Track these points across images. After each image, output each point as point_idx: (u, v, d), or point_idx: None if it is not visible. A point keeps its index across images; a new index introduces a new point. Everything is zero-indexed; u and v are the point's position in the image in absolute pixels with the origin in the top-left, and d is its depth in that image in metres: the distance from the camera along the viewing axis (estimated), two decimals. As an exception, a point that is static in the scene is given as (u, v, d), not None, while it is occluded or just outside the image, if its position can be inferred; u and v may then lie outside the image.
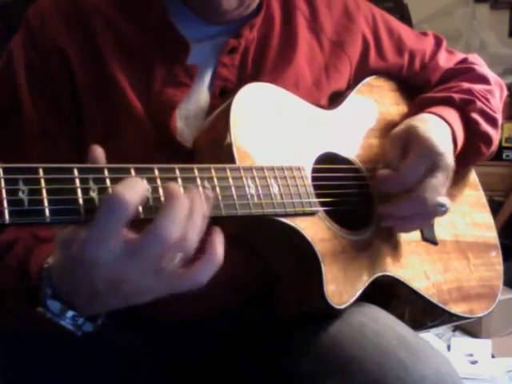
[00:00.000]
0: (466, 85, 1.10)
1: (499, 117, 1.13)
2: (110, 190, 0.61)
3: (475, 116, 1.07)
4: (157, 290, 0.66)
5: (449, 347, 2.28)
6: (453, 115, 1.05)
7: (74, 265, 0.64)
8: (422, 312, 1.03)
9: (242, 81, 0.95)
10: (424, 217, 0.98)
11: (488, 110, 1.09)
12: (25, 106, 0.92)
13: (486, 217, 1.19)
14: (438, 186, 0.95)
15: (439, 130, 1.00)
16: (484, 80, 1.15)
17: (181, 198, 0.64)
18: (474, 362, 2.17)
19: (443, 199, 0.95)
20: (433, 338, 2.26)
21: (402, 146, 0.97)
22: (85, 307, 0.69)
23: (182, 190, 0.65)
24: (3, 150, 0.91)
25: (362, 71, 1.10)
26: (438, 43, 1.19)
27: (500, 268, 1.15)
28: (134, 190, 0.61)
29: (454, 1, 3.15)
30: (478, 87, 1.10)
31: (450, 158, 0.97)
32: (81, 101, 0.93)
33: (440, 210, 0.95)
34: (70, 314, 0.69)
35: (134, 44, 0.95)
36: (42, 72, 0.93)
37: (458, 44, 2.96)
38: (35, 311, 0.69)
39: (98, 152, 0.66)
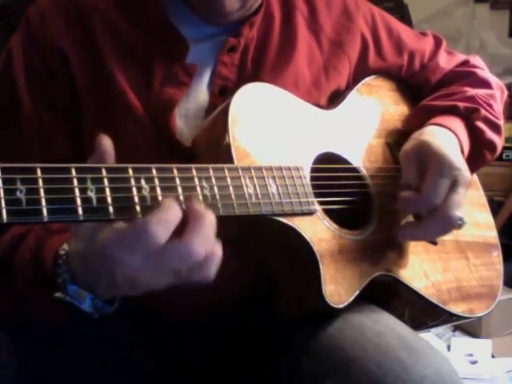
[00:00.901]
0: (469, 91, 1.10)
1: (502, 123, 1.13)
2: (144, 220, 0.63)
3: (480, 124, 1.07)
4: (171, 283, 0.68)
5: (449, 347, 2.28)
6: (458, 125, 1.05)
7: (94, 259, 0.67)
8: (422, 312, 1.03)
9: (241, 80, 0.95)
10: (444, 231, 0.99)
11: (492, 117, 1.09)
12: (24, 105, 0.92)
13: (486, 216, 1.18)
14: (460, 202, 0.95)
15: (450, 143, 1.00)
16: (486, 84, 1.15)
17: (208, 216, 0.66)
18: (473, 362, 2.17)
19: (460, 213, 0.95)
20: (433, 338, 2.26)
21: (417, 163, 0.98)
22: (103, 293, 0.72)
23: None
24: (3, 150, 0.91)
25: (361, 71, 1.10)
26: (437, 43, 1.19)
27: (500, 267, 1.15)
28: (168, 225, 0.63)
29: (454, 1, 3.15)
30: (480, 92, 1.10)
31: (466, 172, 0.98)
32: (80, 100, 0.93)
33: (459, 224, 0.96)
34: (89, 297, 0.71)
35: (134, 43, 0.95)
36: (41, 71, 0.93)
37: (458, 44, 2.95)
38: (52, 297, 0.72)
39: (106, 142, 0.67)
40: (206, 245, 0.66)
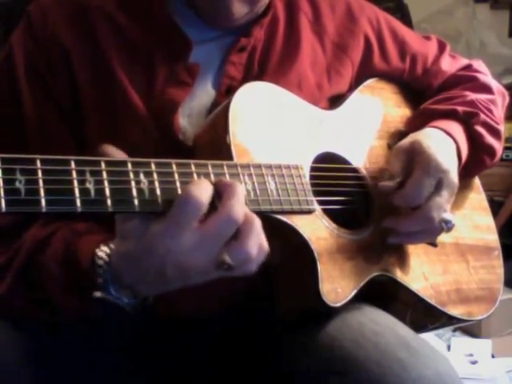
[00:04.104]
0: (469, 95, 1.10)
1: (502, 128, 1.13)
2: (182, 190, 0.68)
3: (479, 129, 1.08)
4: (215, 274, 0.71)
5: (449, 347, 2.28)
6: (457, 129, 1.05)
7: (146, 253, 0.69)
8: (421, 314, 1.03)
9: (246, 79, 0.95)
10: (430, 233, 0.99)
11: (491, 121, 1.10)
12: (24, 102, 0.92)
13: (487, 220, 1.18)
14: (443, 204, 0.96)
15: (444, 145, 1.01)
16: (487, 89, 1.15)
17: (239, 185, 0.71)
18: (474, 362, 2.17)
19: (449, 216, 0.96)
20: (433, 338, 2.25)
21: (405, 159, 0.98)
22: (146, 291, 0.74)
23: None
24: (1, 144, 0.91)
25: (364, 73, 1.10)
26: (441, 48, 1.19)
27: (500, 271, 1.15)
28: (205, 190, 0.68)
29: (454, 1, 3.14)
30: (481, 97, 1.11)
31: (454, 175, 0.98)
32: (81, 98, 0.93)
33: (446, 226, 0.96)
34: (128, 297, 0.73)
35: (136, 43, 0.94)
36: (41, 65, 0.93)
37: (458, 44, 2.95)
38: (89, 297, 0.73)
39: (110, 150, 0.69)
40: (243, 210, 0.69)
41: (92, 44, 0.93)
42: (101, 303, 0.73)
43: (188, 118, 0.94)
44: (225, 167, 0.75)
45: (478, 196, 1.19)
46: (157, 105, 0.92)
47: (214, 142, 0.86)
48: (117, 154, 0.68)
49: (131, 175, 0.66)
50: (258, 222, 0.70)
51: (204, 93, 0.96)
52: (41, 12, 0.95)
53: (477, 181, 1.20)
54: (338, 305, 0.87)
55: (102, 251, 0.75)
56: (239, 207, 0.69)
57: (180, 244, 0.67)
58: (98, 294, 0.73)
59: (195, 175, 0.71)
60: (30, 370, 0.86)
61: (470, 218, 1.15)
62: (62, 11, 0.94)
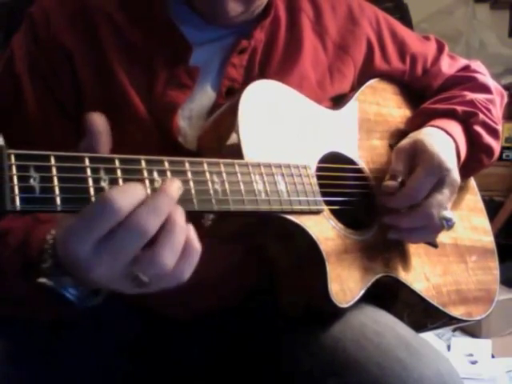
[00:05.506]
0: (468, 95, 1.11)
1: (500, 128, 1.14)
2: (104, 192, 0.60)
3: (478, 129, 1.08)
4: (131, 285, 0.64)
5: (449, 347, 2.28)
6: (456, 128, 1.06)
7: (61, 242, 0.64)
8: (422, 314, 1.03)
9: (248, 81, 0.95)
10: (430, 231, 0.99)
11: (490, 121, 1.10)
12: (26, 100, 0.92)
13: (483, 221, 1.19)
14: (444, 202, 0.96)
15: (445, 144, 1.01)
16: (486, 89, 1.16)
17: (182, 227, 0.63)
18: (474, 362, 2.18)
19: (449, 214, 0.96)
20: (433, 338, 2.26)
21: (408, 159, 0.99)
22: (83, 282, 0.68)
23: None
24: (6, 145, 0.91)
25: (366, 74, 1.10)
26: (440, 48, 1.20)
27: (497, 272, 1.15)
28: (128, 196, 0.60)
29: (454, 1, 3.15)
30: (480, 97, 1.11)
31: (456, 174, 0.99)
32: (83, 97, 0.92)
33: (446, 224, 0.96)
34: (70, 284, 0.68)
35: (137, 45, 0.94)
36: (43, 66, 0.92)
37: (458, 44, 2.95)
38: (35, 283, 0.68)
39: (99, 121, 0.65)
40: (160, 220, 0.61)
41: (93, 45, 0.93)
42: (50, 292, 0.68)
43: (188, 120, 0.94)
44: (236, 166, 0.75)
45: (473, 197, 1.20)
46: (157, 106, 0.92)
47: (221, 142, 0.85)
48: (101, 123, 0.64)
49: (145, 173, 0.65)
50: (179, 229, 0.62)
51: (204, 95, 0.96)
52: (43, 13, 0.95)
53: (472, 182, 1.21)
54: (346, 305, 0.87)
55: (51, 235, 0.70)
56: (147, 217, 0.60)
57: (77, 249, 0.60)
58: (42, 280, 0.68)
59: (207, 174, 0.70)
60: (29, 371, 0.86)
61: (468, 219, 1.15)
62: (64, 12, 0.94)
